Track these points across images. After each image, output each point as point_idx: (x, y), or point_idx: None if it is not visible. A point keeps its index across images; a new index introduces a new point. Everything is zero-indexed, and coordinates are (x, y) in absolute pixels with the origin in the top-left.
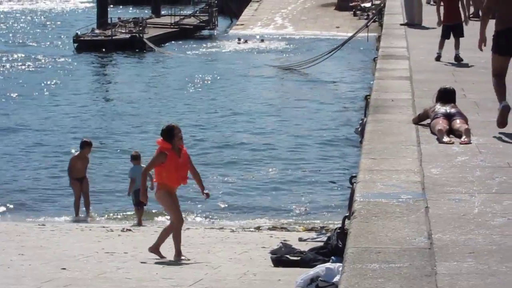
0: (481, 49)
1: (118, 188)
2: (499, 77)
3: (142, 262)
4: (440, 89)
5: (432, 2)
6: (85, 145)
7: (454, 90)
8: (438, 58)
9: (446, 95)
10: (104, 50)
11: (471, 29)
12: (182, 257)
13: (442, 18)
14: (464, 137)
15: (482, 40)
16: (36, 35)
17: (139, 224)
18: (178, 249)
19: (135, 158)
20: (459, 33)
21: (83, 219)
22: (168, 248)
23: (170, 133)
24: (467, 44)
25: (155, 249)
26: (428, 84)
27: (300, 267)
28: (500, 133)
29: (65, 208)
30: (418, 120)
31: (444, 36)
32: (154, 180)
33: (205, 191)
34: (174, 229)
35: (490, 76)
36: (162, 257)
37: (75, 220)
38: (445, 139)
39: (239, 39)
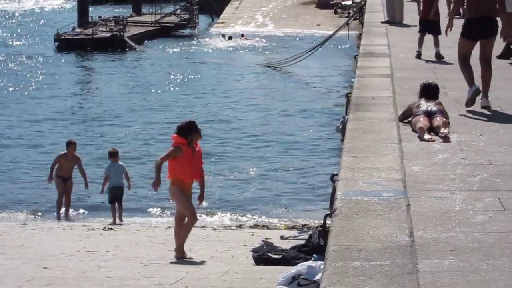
0: (446, 34)
1: (98, 187)
2: (464, 59)
3: (123, 261)
4: (424, 84)
5: None
6: (69, 144)
7: (437, 86)
8: (418, 56)
9: (430, 91)
10: (87, 48)
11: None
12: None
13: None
14: (442, 129)
15: (449, 26)
16: (17, 35)
17: (119, 221)
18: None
19: (113, 155)
20: (436, 30)
21: (63, 218)
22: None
23: (189, 129)
24: (447, 42)
25: (181, 252)
26: (409, 82)
27: (281, 265)
28: (481, 130)
29: (46, 207)
30: (403, 118)
31: (421, 30)
32: (168, 176)
33: (201, 202)
34: (186, 226)
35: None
36: (189, 258)
37: (56, 218)
38: (426, 136)
39: (223, 35)
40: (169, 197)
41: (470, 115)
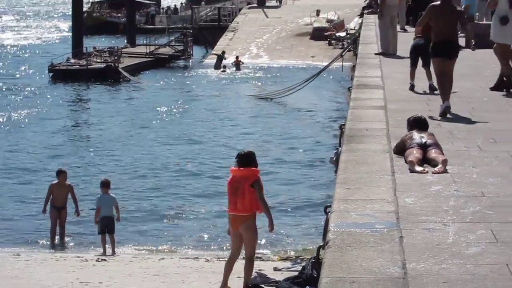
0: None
1: (90, 217)
2: (440, 76)
3: None
4: (414, 118)
5: (405, 28)
6: (59, 173)
7: (425, 118)
8: (411, 88)
9: (420, 124)
10: (81, 79)
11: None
12: None
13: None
14: (440, 165)
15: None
16: (11, 64)
17: (112, 252)
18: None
19: (105, 185)
20: (427, 62)
21: (58, 248)
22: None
23: (255, 157)
24: None
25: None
26: (402, 114)
27: None
28: (474, 162)
29: (40, 238)
30: (397, 150)
31: (413, 63)
32: (249, 210)
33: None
34: (252, 259)
35: (464, 105)
36: None
37: (50, 249)
38: (418, 168)
39: (224, 67)
40: (249, 231)
41: (464, 147)
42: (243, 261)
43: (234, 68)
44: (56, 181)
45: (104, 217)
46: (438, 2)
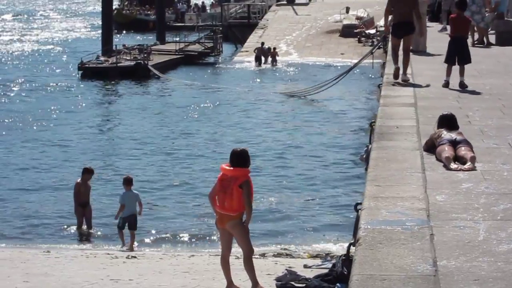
0: (387, 33)
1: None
2: (394, 50)
3: None
4: (443, 116)
5: (446, 31)
6: (85, 172)
7: (455, 116)
8: (446, 85)
9: (450, 121)
10: (111, 77)
11: (475, 55)
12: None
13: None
14: (469, 163)
15: (387, 28)
16: (42, 63)
17: (130, 249)
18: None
19: (127, 182)
20: (465, 59)
21: (86, 245)
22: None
23: (249, 156)
24: (472, 71)
25: (257, 286)
26: (432, 111)
27: None
28: (504, 159)
29: (70, 235)
30: (426, 148)
31: (449, 60)
32: (235, 211)
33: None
34: (248, 259)
35: (495, 102)
36: None
37: (79, 246)
38: (453, 166)
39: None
40: (236, 231)
41: (494, 145)
42: (274, 258)
43: (270, 63)
44: (80, 179)
45: (127, 216)
46: None
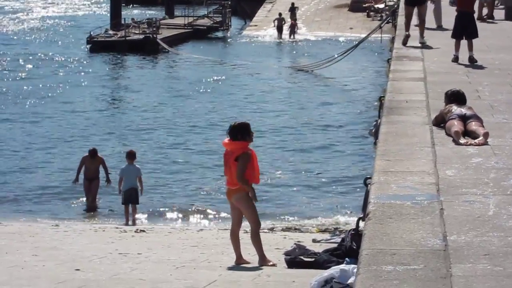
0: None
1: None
2: (407, 18)
3: (156, 263)
4: (452, 92)
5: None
6: (91, 153)
7: (462, 91)
8: (455, 60)
9: (459, 97)
10: (119, 50)
11: (484, 30)
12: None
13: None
14: (481, 137)
15: None
16: (50, 37)
17: (133, 223)
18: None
19: (130, 156)
20: (471, 33)
21: (91, 219)
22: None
23: (247, 130)
24: (481, 46)
25: (264, 260)
26: (442, 86)
27: (314, 268)
28: None
29: (78, 209)
30: (436, 123)
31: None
32: (235, 182)
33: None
34: (257, 235)
35: (504, 77)
36: (274, 264)
37: (86, 220)
38: (462, 140)
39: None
40: (240, 204)
41: (504, 120)
42: (282, 232)
43: (288, 35)
44: (88, 154)
45: (127, 189)
46: None
